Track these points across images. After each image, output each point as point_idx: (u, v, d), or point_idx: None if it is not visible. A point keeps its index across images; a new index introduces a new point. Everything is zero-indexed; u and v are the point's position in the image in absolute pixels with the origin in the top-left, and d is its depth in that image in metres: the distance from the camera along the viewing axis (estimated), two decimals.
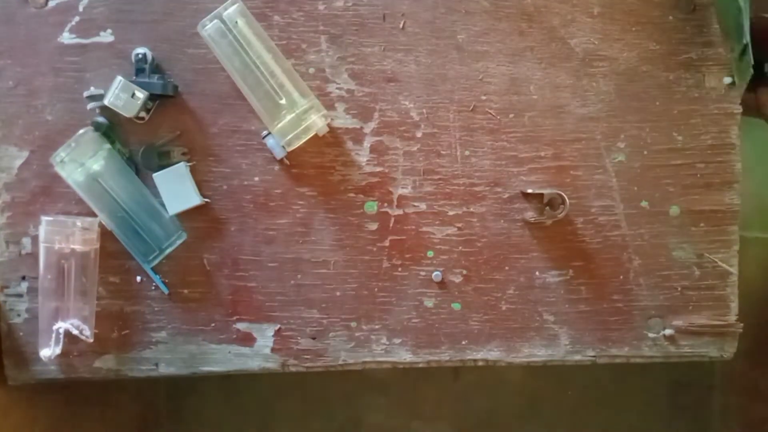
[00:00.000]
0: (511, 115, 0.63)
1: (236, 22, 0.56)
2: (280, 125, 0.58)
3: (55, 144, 0.61)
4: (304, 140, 0.59)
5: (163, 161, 0.60)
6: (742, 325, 0.65)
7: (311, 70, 0.62)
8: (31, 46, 0.61)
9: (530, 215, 0.63)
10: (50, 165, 0.61)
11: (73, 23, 0.61)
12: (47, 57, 0.61)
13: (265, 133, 0.60)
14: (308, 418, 1.00)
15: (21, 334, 0.62)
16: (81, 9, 0.61)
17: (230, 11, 0.56)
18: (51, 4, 0.61)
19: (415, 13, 0.62)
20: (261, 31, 0.58)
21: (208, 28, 0.56)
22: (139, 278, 0.62)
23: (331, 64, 0.62)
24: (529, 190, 0.62)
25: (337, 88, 0.62)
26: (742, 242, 0.64)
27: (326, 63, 0.62)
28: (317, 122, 0.58)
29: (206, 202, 0.61)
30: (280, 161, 0.61)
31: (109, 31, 0.61)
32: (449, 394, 0.99)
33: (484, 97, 0.63)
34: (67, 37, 0.61)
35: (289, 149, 0.60)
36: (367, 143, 0.63)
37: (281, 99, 0.57)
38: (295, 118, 0.58)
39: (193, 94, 0.62)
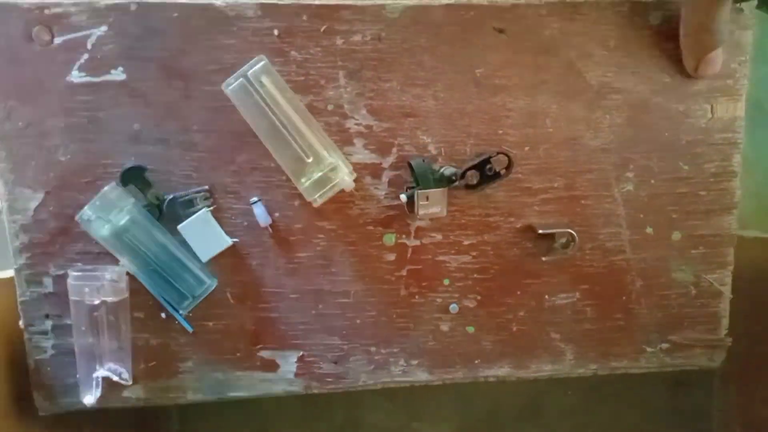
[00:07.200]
0: (527, 148, 0.64)
1: (261, 81, 0.55)
2: (307, 184, 0.58)
3: (70, 185, 0.60)
4: (330, 197, 0.60)
5: (188, 209, 0.60)
6: (731, 339, 0.70)
7: (330, 107, 0.61)
8: (40, 86, 0.58)
9: (542, 252, 0.66)
10: (68, 205, 0.60)
11: (82, 61, 0.58)
12: (57, 96, 0.59)
13: (254, 199, 0.61)
14: (308, 418, 1.02)
15: (48, 369, 0.63)
16: (89, 46, 0.58)
17: (255, 69, 0.55)
18: (57, 41, 0.58)
19: (434, 47, 0.61)
20: (287, 88, 0.57)
21: (233, 86, 0.55)
22: (163, 315, 0.63)
23: (350, 100, 0.62)
24: (540, 231, 0.64)
25: (355, 124, 0.62)
26: (740, 242, 0.68)
27: (345, 99, 0.61)
28: (345, 180, 0.59)
29: (235, 242, 0.62)
30: (269, 226, 0.63)
31: (121, 68, 0.59)
32: (449, 395, 1.02)
33: (500, 131, 0.64)
34: (76, 76, 0.59)
35: (316, 206, 0.60)
36: (385, 177, 0.64)
37: (308, 158, 0.57)
38: (323, 177, 0.58)
39: (210, 132, 0.61)
